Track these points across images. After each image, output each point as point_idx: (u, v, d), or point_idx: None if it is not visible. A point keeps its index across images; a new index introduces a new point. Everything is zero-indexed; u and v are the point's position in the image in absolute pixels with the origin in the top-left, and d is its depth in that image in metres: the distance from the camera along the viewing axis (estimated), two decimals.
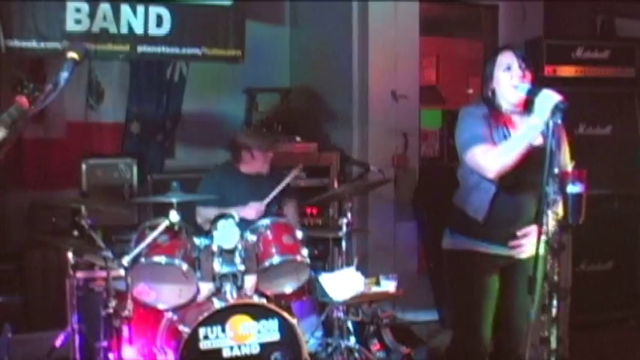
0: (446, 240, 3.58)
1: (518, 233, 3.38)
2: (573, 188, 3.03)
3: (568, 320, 5.02)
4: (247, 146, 4.72)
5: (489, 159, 3.26)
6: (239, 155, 4.76)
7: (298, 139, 5.92)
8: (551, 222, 3.04)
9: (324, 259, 5.33)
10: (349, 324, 4.52)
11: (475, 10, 6.46)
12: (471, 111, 3.44)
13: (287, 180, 4.66)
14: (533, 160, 3.22)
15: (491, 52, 3.56)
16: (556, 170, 3.06)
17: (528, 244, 3.34)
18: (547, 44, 5.58)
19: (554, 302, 3.08)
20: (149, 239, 3.88)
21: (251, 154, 4.73)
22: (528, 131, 3.18)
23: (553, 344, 3.07)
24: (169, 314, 4.14)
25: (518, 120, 3.40)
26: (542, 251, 3.04)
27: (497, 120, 3.37)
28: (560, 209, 3.14)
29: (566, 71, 5.59)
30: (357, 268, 4.57)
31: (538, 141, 3.32)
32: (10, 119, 2.84)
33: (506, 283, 3.48)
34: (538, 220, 3.01)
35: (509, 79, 3.33)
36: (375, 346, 4.69)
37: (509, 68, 3.35)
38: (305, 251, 4.30)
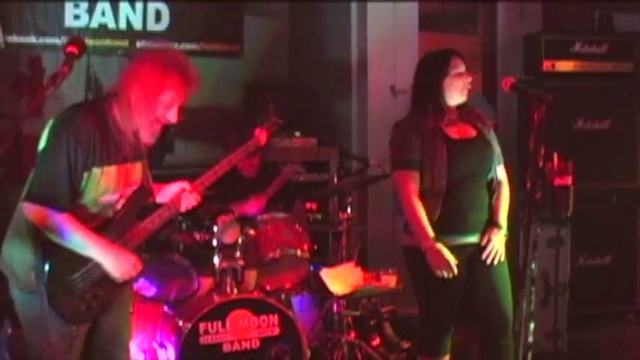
0: (405, 236, 3.64)
1: (482, 243, 3.45)
2: (560, 181, 3.11)
3: (566, 314, 5.06)
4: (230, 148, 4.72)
5: (408, 203, 3.47)
6: None
7: (297, 134, 5.91)
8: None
9: (323, 253, 5.33)
10: (349, 318, 4.53)
11: (473, 6, 6.45)
12: (403, 125, 3.57)
13: (285, 176, 4.63)
14: (473, 151, 3.44)
15: (438, 57, 3.59)
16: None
17: (497, 248, 3.46)
18: (545, 39, 5.57)
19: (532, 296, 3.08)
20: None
21: None
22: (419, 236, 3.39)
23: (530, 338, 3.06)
24: (169, 309, 4.14)
25: (454, 117, 3.52)
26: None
27: (431, 125, 3.47)
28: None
29: (565, 66, 5.58)
30: (357, 263, 4.58)
31: (470, 133, 3.51)
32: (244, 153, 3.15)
33: (476, 270, 3.50)
34: (521, 216, 3.07)
35: (461, 84, 3.47)
36: (375, 340, 4.69)
37: (460, 75, 3.48)
38: (305, 246, 4.31)
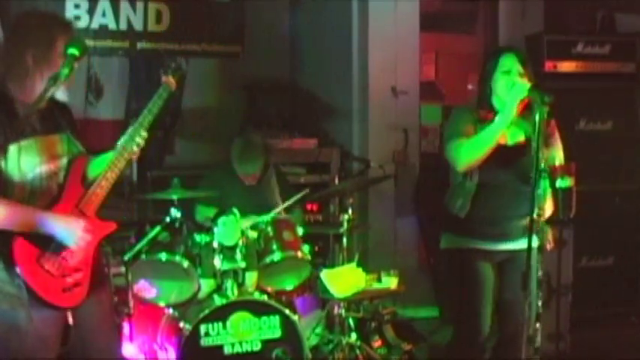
0: (443, 240, 3.67)
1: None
2: (562, 182, 3.07)
3: (569, 316, 5.04)
4: (232, 159, 4.70)
5: (460, 152, 3.37)
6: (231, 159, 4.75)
7: (298, 135, 5.90)
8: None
9: (324, 255, 5.31)
10: (350, 320, 4.52)
11: (475, 6, 6.44)
12: (460, 109, 3.56)
13: (290, 202, 4.60)
14: (514, 159, 3.36)
15: (492, 52, 3.61)
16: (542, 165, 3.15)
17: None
18: (547, 40, 5.55)
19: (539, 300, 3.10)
20: (150, 235, 3.88)
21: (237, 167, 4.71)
22: (495, 125, 3.25)
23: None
24: (170, 311, 4.13)
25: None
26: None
27: (486, 116, 3.42)
28: (547, 205, 3.18)
29: (567, 67, 5.56)
30: (358, 264, 4.56)
31: (517, 139, 3.43)
32: (161, 101, 3.07)
33: (502, 277, 3.56)
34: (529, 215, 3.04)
35: (507, 82, 3.37)
36: (376, 342, 4.68)
37: (508, 72, 3.40)
38: (306, 248, 4.29)
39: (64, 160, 2.88)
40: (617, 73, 5.64)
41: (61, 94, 2.88)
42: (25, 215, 2.73)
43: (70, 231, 2.77)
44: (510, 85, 3.34)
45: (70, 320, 2.88)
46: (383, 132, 5.78)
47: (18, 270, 2.68)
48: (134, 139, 2.99)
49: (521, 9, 6.07)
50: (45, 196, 2.81)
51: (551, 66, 5.53)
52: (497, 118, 3.26)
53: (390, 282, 4.52)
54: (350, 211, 4.61)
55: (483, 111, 3.45)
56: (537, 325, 3.11)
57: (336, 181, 5.54)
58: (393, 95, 5.78)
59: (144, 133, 3.01)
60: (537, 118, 3.01)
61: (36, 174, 2.78)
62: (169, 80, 3.16)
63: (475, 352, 3.59)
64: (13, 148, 2.71)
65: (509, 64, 3.41)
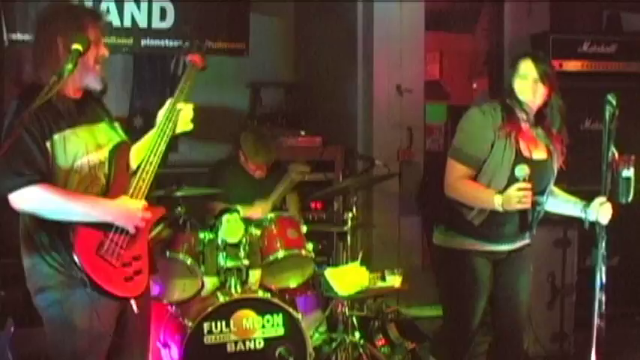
0: (439, 236, 3.65)
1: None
2: (627, 172, 3.34)
3: (573, 316, 5.03)
4: (244, 152, 4.69)
5: (455, 186, 3.44)
6: (238, 154, 4.74)
7: (302, 133, 5.89)
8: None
9: (328, 253, 5.30)
10: (354, 319, 4.51)
11: (480, 5, 6.42)
12: (482, 117, 3.44)
13: (290, 177, 4.60)
14: (537, 174, 3.36)
15: (514, 55, 3.57)
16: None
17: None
18: (553, 39, 5.53)
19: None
20: (153, 233, 3.86)
21: (246, 159, 4.69)
22: (489, 203, 3.31)
23: None
24: (173, 308, 4.13)
25: (530, 132, 3.47)
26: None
27: (508, 130, 3.39)
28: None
29: (573, 66, 5.55)
30: (362, 263, 4.55)
31: (541, 154, 3.46)
32: (191, 80, 3.07)
33: (498, 275, 3.57)
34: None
35: (524, 87, 3.40)
36: (379, 341, 4.68)
37: (525, 77, 3.41)
38: (309, 246, 4.28)
39: (108, 149, 2.87)
40: (623, 73, 5.62)
41: (95, 84, 2.86)
42: (86, 203, 2.73)
43: (130, 212, 2.77)
44: (527, 90, 3.38)
45: (135, 309, 2.84)
46: (387, 130, 5.77)
47: (78, 261, 2.66)
48: (171, 121, 2.97)
49: (526, 8, 6.06)
50: (93, 185, 2.80)
51: (557, 65, 5.48)
52: (496, 201, 3.28)
53: (394, 280, 4.51)
54: (354, 209, 4.60)
55: (509, 124, 3.39)
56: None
57: (341, 179, 5.54)
58: (398, 94, 5.77)
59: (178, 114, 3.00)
60: (607, 116, 3.28)
61: (83, 163, 2.77)
62: (194, 58, 3.17)
63: (463, 347, 3.61)
64: (57, 138, 2.71)
65: (525, 68, 3.41)
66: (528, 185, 3.23)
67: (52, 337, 2.80)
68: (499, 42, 6.19)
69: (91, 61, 2.79)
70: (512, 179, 3.30)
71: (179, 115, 2.98)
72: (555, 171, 3.55)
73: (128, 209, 2.77)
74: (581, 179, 4.24)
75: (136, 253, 2.82)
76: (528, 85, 3.39)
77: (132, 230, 2.78)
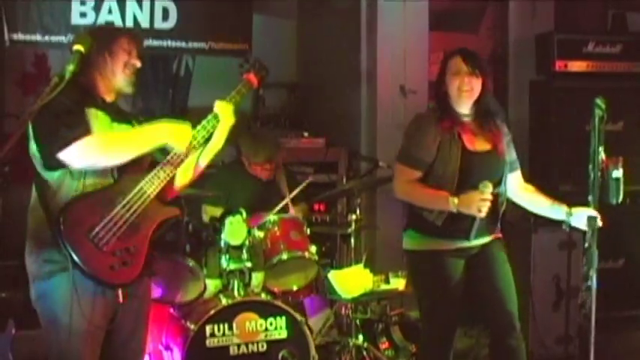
0: (407, 240, 3.68)
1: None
2: (617, 173, 3.32)
3: (578, 319, 4.99)
4: (245, 155, 4.65)
5: (405, 190, 3.52)
6: (241, 160, 4.69)
7: (306, 134, 5.87)
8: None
9: (332, 255, 5.28)
10: (357, 322, 4.48)
11: (484, 5, 6.40)
12: (422, 120, 3.61)
13: (295, 191, 4.56)
14: (485, 165, 3.48)
15: (444, 56, 3.68)
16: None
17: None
18: (558, 39, 5.50)
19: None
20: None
21: (249, 162, 4.65)
22: (438, 204, 3.42)
23: None
24: (175, 311, 4.10)
25: (470, 125, 3.55)
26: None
27: (449, 125, 3.50)
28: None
29: (578, 66, 5.51)
30: (366, 265, 4.53)
31: (485, 145, 3.53)
32: (239, 97, 3.17)
33: (474, 271, 3.59)
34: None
35: (457, 84, 3.49)
36: (383, 344, 4.65)
37: (457, 73, 3.49)
38: (313, 248, 4.26)
39: None
40: (628, 73, 5.59)
41: (126, 86, 2.97)
42: (137, 130, 2.95)
43: (181, 129, 2.93)
44: (462, 85, 3.47)
45: (121, 298, 2.85)
46: (391, 131, 5.72)
47: (66, 239, 2.69)
48: (205, 129, 3.09)
49: (531, 8, 6.03)
50: (105, 173, 2.86)
51: (562, 65, 5.49)
52: (451, 203, 3.36)
53: (398, 283, 4.49)
54: (358, 211, 4.59)
55: (447, 122, 3.49)
56: None
57: (344, 180, 5.51)
58: (402, 94, 5.74)
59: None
60: (596, 120, 3.30)
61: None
62: (251, 77, 3.22)
63: (440, 349, 3.62)
64: (88, 111, 2.82)
65: (457, 65, 3.51)
66: (490, 197, 3.32)
67: (44, 327, 2.87)
68: (503, 42, 6.16)
69: (120, 65, 2.91)
70: (463, 175, 3.42)
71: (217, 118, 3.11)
72: (508, 161, 3.60)
73: (177, 126, 2.91)
74: (588, 178, 4.21)
75: (129, 245, 2.81)
76: (462, 80, 3.47)
77: (180, 148, 2.89)
